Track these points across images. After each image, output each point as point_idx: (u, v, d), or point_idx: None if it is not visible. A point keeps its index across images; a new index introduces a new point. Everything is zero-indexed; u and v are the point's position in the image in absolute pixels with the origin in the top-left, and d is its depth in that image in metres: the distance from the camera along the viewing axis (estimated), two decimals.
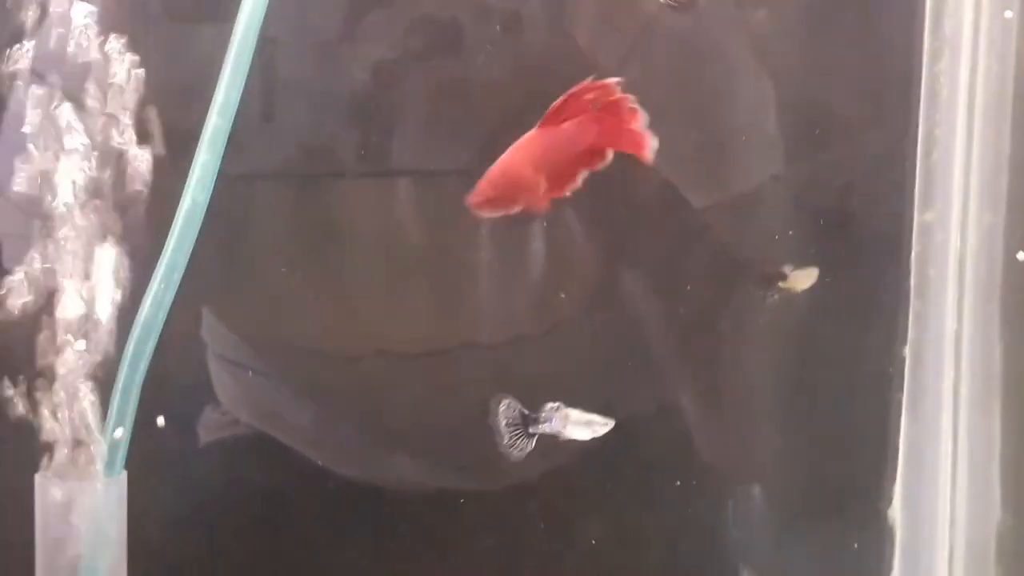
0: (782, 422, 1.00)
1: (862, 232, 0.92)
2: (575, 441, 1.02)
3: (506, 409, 0.83)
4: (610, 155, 0.83)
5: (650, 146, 0.83)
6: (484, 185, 0.83)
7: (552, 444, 0.98)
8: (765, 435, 1.02)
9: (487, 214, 0.85)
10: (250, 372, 1.06)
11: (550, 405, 0.85)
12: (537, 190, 0.83)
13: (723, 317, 1.00)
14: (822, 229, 0.94)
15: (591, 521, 1.02)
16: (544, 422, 0.84)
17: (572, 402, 0.88)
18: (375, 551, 1.03)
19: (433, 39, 0.93)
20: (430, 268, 0.99)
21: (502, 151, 0.92)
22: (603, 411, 0.99)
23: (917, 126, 0.90)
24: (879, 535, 0.97)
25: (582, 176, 0.84)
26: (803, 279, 0.94)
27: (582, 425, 0.85)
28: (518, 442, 0.84)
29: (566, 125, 0.82)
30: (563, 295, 1.02)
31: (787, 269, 0.93)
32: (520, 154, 0.83)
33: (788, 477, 1.00)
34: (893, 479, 0.96)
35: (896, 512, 0.96)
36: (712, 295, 0.99)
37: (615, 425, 1.01)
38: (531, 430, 0.84)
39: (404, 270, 0.99)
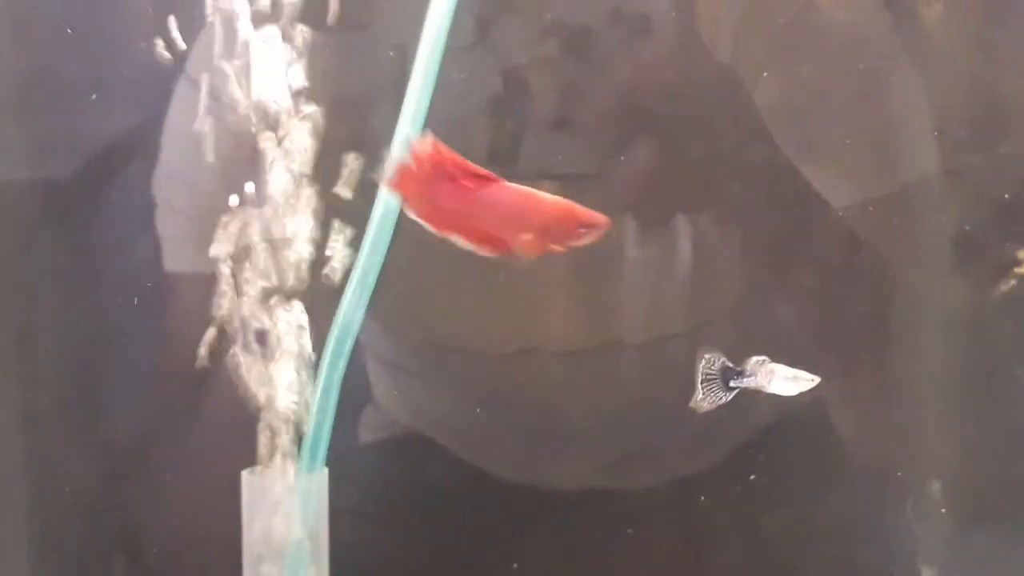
0: (965, 417, 0.99)
1: None
2: (740, 433, 1.02)
3: (707, 362, 0.82)
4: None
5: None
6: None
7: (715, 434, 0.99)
8: (946, 431, 1.01)
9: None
10: (405, 371, 1.09)
11: (755, 359, 0.82)
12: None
13: (898, 309, 1.00)
14: (1006, 221, 0.93)
15: (760, 517, 1.02)
16: (749, 376, 0.82)
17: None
18: (533, 551, 1.04)
19: (566, 43, 0.94)
20: (575, 268, 1.00)
21: (639, 154, 0.93)
22: (762, 408, 0.99)
23: None
24: None
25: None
26: None
27: (788, 380, 0.82)
28: (711, 395, 0.83)
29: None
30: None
31: (1022, 254, 0.92)
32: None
33: (970, 475, 0.99)
34: None
35: None
36: (879, 288, 0.99)
37: (769, 421, 1.01)
38: (732, 383, 0.82)
39: (550, 270, 1.00)
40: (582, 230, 0.75)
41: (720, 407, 0.84)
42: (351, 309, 0.78)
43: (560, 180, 0.96)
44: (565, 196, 0.96)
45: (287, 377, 0.79)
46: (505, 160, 0.95)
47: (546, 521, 1.05)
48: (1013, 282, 0.94)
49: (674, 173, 0.97)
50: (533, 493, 1.05)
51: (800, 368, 0.83)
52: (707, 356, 0.81)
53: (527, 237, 0.75)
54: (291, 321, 0.79)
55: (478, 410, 1.07)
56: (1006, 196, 0.92)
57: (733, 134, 0.96)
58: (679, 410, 0.97)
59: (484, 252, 0.76)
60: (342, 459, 1.03)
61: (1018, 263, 0.93)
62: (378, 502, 1.02)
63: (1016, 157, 0.92)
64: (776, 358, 0.94)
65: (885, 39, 0.95)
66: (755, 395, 0.84)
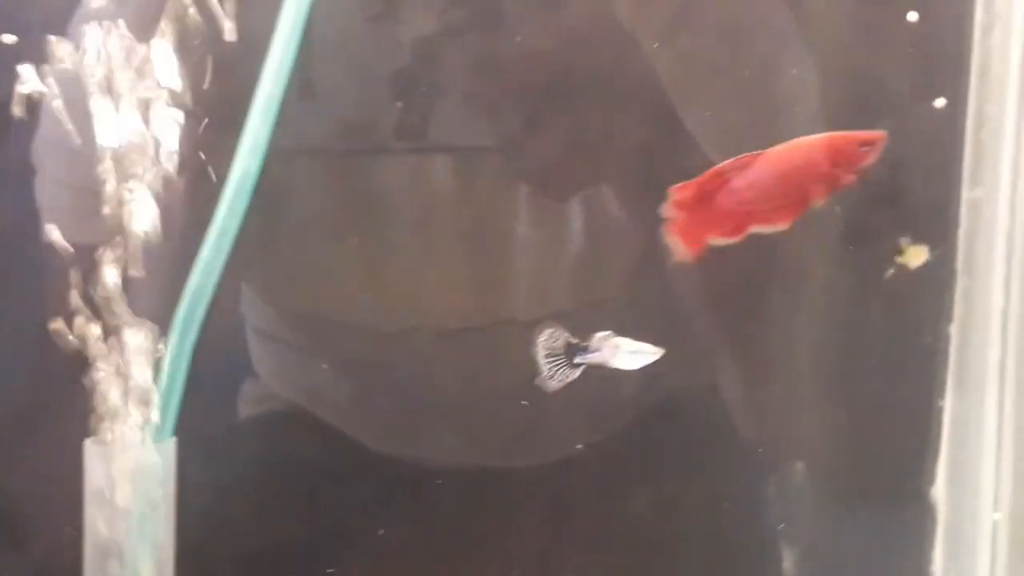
0: (826, 400, 0.99)
1: (910, 208, 0.92)
2: (619, 414, 1.02)
3: (548, 338, 0.81)
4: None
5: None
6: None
7: (595, 414, 0.98)
8: (809, 412, 1.01)
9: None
10: (288, 346, 1.07)
11: (599, 334, 0.81)
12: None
13: (768, 294, 1.00)
14: (870, 205, 0.93)
15: (633, 496, 1.02)
16: (593, 351, 0.81)
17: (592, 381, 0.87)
18: (413, 527, 1.03)
19: (472, 14, 0.92)
20: (469, 244, 0.99)
21: (541, 127, 0.92)
22: (644, 387, 0.99)
23: (967, 102, 0.89)
24: (922, 514, 0.97)
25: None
26: (917, 255, 0.93)
27: (632, 354, 0.82)
28: (558, 373, 0.82)
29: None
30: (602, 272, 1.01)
31: (903, 242, 0.92)
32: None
33: (832, 455, 1.00)
34: (936, 458, 0.96)
35: (940, 490, 0.96)
36: (754, 270, 0.99)
37: (659, 400, 1.01)
38: (577, 360, 0.81)
39: (443, 246, 0.99)
40: (864, 148, 0.76)
41: (598, 389, 0.84)
42: (203, 275, 0.76)
43: (465, 152, 0.95)
44: (474, 167, 0.95)
45: (136, 345, 0.77)
46: (411, 132, 0.93)
47: (422, 497, 1.04)
48: (892, 270, 0.94)
49: (578, 147, 0.96)
50: (411, 468, 1.04)
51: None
52: (549, 331, 0.81)
53: (819, 186, 0.76)
54: None
55: (360, 386, 1.05)
56: (882, 181, 0.93)
57: (639, 109, 0.95)
58: (562, 390, 0.97)
59: (783, 225, 0.76)
60: (214, 431, 1.02)
61: (899, 251, 0.93)
62: (251, 475, 1.01)
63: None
64: (664, 337, 0.94)
65: (780, 22, 0.95)
66: (631, 375, 0.84)
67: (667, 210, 0.76)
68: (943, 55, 0.92)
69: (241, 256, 0.81)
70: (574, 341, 0.81)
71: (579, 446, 1.01)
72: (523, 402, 0.89)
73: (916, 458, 0.97)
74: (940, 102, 0.90)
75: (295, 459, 1.06)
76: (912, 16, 0.89)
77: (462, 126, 0.95)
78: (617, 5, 0.92)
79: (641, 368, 0.87)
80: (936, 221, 0.91)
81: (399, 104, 0.94)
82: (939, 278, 0.93)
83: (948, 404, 0.94)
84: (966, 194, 0.91)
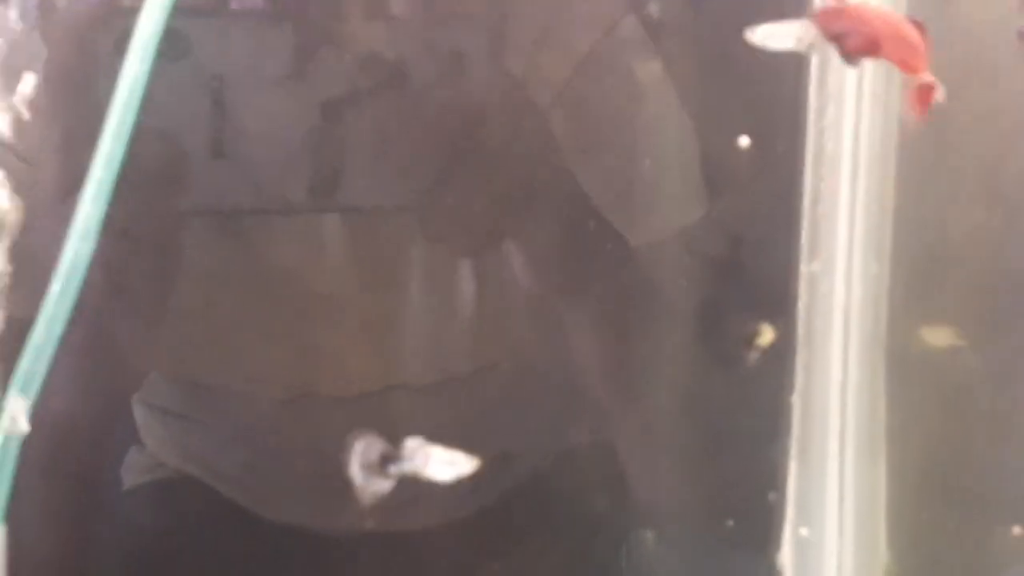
0: (674, 469, 1.01)
1: (751, 282, 0.94)
2: (487, 486, 1.03)
3: (364, 448, 0.81)
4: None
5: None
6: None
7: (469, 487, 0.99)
8: (662, 481, 1.03)
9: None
10: (177, 416, 1.06)
11: (412, 442, 0.81)
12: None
13: (631, 364, 1.02)
14: (712, 278, 0.95)
15: (492, 563, 1.02)
16: (406, 460, 0.82)
17: (490, 444, 0.88)
18: None
19: (378, 77, 0.93)
20: (363, 308, 0.99)
21: (439, 187, 0.93)
22: (516, 454, 1.00)
23: (803, 179, 0.92)
24: None
25: None
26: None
27: (445, 464, 0.82)
28: (372, 484, 0.82)
29: None
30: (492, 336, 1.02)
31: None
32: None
33: (681, 523, 1.02)
34: (782, 525, 0.97)
35: (786, 557, 0.97)
36: (627, 339, 1.00)
37: (528, 470, 1.02)
38: (391, 469, 0.82)
39: (336, 310, 0.99)
40: None
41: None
42: (32, 362, 0.75)
43: (376, 212, 0.95)
44: (369, 230, 0.95)
45: None
46: (322, 192, 0.94)
47: (318, 565, 1.04)
48: (752, 353, 0.96)
49: (481, 206, 0.97)
50: (306, 536, 1.04)
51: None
52: (363, 441, 0.81)
53: None
54: None
55: (250, 453, 1.05)
56: (727, 258, 0.95)
57: (540, 167, 0.96)
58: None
59: None
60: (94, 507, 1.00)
61: (758, 334, 0.95)
62: (141, 546, 1.00)
63: (729, 216, 0.94)
64: (547, 399, 0.95)
65: (661, 92, 0.97)
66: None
67: None
68: (779, 132, 0.94)
69: (128, 321, 0.80)
70: (386, 450, 0.81)
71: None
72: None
73: (763, 525, 0.98)
74: (744, 141, 0.91)
75: (183, 528, 1.05)
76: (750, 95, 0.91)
77: (364, 187, 0.96)
78: (515, 68, 0.93)
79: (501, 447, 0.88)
80: (776, 294, 0.93)
81: (305, 164, 0.94)
82: (780, 350, 0.95)
83: (793, 472, 0.96)
84: (804, 268, 0.93)
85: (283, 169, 0.94)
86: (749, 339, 0.95)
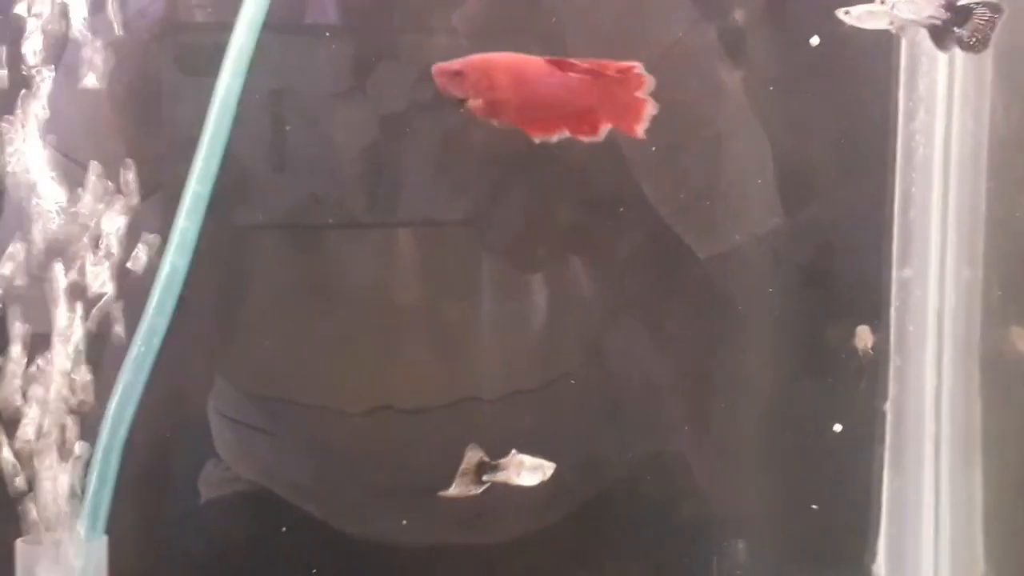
0: (768, 478, 1.00)
1: (842, 289, 0.93)
2: (565, 497, 1.02)
3: (468, 457, 0.83)
4: (602, 131, 0.80)
5: (646, 115, 0.80)
6: (458, 63, 0.80)
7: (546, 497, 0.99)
8: (750, 491, 1.02)
9: (443, 86, 0.80)
10: (251, 428, 1.07)
11: (511, 455, 0.84)
12: (500, 96, 0.80)
13: (712, 372, 1.01)
14: (803, 285, 0.94)
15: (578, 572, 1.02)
16: (501, 470, 0.83)
17: (564, 454, 0.88)
18: None
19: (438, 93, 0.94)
20: (432, 322, 0.99)
21: (503, 201, 0.93)
22: (594, 464, 0.99)
23: (894, 184, 0.91)
24: None
25: (559, 133, 0.80)
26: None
27: (533, 471, 0.84)
28: (461, 487, 0.84)
29: (571, 74, 0.79)
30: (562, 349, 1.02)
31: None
32: (510, 62, 0.80)
33: (774, 532, 1.00)
34: (877, 534, 0.96)
35: (881, 567, 0.96)
36: (705, 349, 1.00)
37: (609, 480, 1.01)
38: (484, 478, 0.83)
39: (406, 324, 0.99)
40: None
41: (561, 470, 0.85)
42: (133, 373, 0.76)
43: (435, 226, 0.96)
44: (440, 243, 0.96)
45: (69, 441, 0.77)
46: (382, 206, 0.94)
47: None
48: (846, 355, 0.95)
49: (542, 222, 0.97)
50: (381, 550, 1.04)
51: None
52: (469, 452, 0.82)
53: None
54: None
55: (323, 466, 1.05)
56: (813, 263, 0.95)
57: (606, 183, 0.96)
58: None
59: None
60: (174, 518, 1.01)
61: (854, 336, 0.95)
62: (220, 559, 1.00)
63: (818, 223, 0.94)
64: (620, 413, 0.95)
65: (731, 101, 0.97)
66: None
67: None
68: (868, 137, 0.93)
69: (204, 336, 0.81)
70: (486, 460, 0.82)
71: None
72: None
73: (858, 534, 0.97)
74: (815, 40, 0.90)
75: (259, 540, 1.05)
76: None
77: (430, 201, 0.96)
78: None
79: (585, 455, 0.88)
80: (867, 301, 0.92)
81: (368, 178, 0.94)
82: (873, 357, 0.94)
83: (886, 480, 0.95)
84: (896, 274, 0.92)
85: (344, 184, 0.94)
86: (846, 342, 0.94)
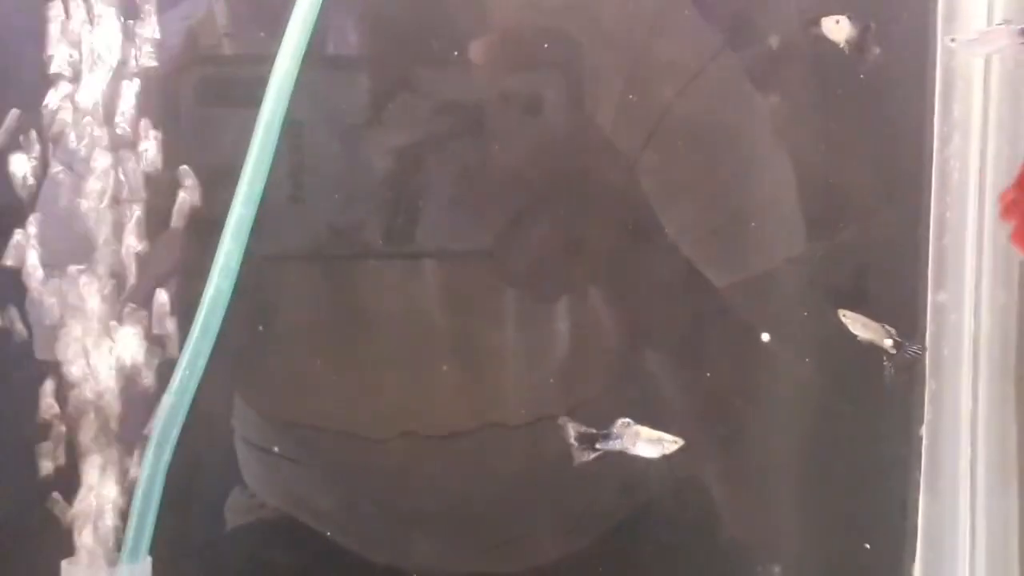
0: (802, 502, 1.00)
1: (876, 313, 0.93)
2: (593, 522, 1.02)
3: (568, 430, 0.83)
4: None
5: None
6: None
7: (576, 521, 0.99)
8: (785, 515, 1.02)
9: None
10: (277, 455, 1.07)
11: (621, 421, 0.83)
12: None
13: (743, 397, 1.01)
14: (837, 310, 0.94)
15: None
16: (614, 439, 0.83)
17: (590, 480, 0.88)
18: None
19: (457, 123, 0.94)
20: (456, 348, 0.99)
21: (525, 231, 0.93)
22: (622, 491, 0.99)
23: (929, 209, 0.91)
24: None
25: None
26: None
27: (652, 443, 0.84)
28: (581, 455, 0.83)
29: None
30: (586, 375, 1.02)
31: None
32: None
33: (808, 557, 1.00)
34: (912, 559, 0.96)
35: None
36: (733, 373, 1.00)
37: (637, 503, 1.01)
38: (598, 446, 0.83)
39: (429, 351, 0.99)
40: None
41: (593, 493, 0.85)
42: (177, 395, 0.77)
43: (452, 256, 0.96)
44: (462, 271, 0.96)
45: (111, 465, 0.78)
46: (399, 237, 0.95)
47: None
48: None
49: (562, 251, 0.97)
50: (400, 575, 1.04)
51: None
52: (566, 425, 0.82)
53: None
54: None
55: (349, 493, 1.05)
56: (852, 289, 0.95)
57: (621, 212, 0.96)
58: (557, 492, 0.97)
59: None
60: (202, 546, 1.02)
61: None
62: None
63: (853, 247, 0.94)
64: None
65: (757, 128, 0.97)
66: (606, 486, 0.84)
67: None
68: (903, 162, 0.94)
69: (229, 365, 0.81)
70: (592, 431, 0.83)
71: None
72: None
73: (893, 559, 0.97)
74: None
75: (284, 568, 1.05)
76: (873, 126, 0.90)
77: (448, 230, 0.96)
78: (598, 115, 0.94)
79: (617, 478, 0.88)
80: (902, 325, 0.92)
81: (381, 210, 0.95)
82: (908, 381, 0.94)
83: (922, 505, 0.95)
84: (931, 298, 0.92)
85: (359, 214, 0.95)
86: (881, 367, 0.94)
